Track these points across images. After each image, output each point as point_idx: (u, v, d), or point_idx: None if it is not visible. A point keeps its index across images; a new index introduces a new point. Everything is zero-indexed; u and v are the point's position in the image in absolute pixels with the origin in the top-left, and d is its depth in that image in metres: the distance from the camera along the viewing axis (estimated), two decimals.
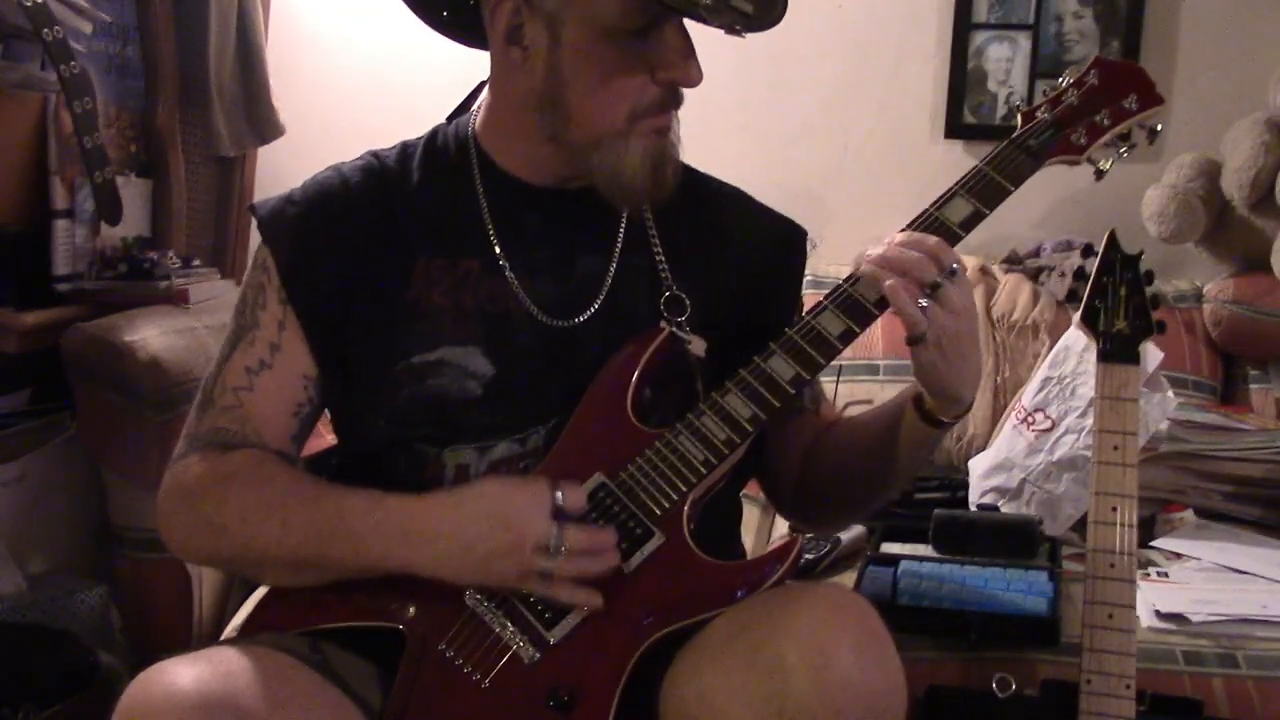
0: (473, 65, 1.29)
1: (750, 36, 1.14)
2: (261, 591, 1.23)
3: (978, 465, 2.01)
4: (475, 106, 1.29)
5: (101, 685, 1.74)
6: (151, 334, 1.91)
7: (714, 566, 1.12)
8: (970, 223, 1.19)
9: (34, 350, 1.92)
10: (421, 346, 1.20)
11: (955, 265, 1.12)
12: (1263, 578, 1.66)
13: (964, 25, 2.47)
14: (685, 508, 1.13)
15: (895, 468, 1.25)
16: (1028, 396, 2.00)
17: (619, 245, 1.25)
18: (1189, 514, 1.86)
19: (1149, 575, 1.67)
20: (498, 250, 1.23)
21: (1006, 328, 2.22)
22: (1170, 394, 1.86)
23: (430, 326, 1.20)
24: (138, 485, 1.91)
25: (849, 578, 1.70)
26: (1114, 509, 1.31)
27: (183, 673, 0.98)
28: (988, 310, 2.24)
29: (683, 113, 1.20)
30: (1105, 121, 1.25)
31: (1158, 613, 1.56)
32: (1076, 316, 1.44)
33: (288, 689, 1.02)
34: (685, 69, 1.15)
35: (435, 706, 1.09)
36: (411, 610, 1.13)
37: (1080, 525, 1.76)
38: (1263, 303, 2.21)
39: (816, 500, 1.35)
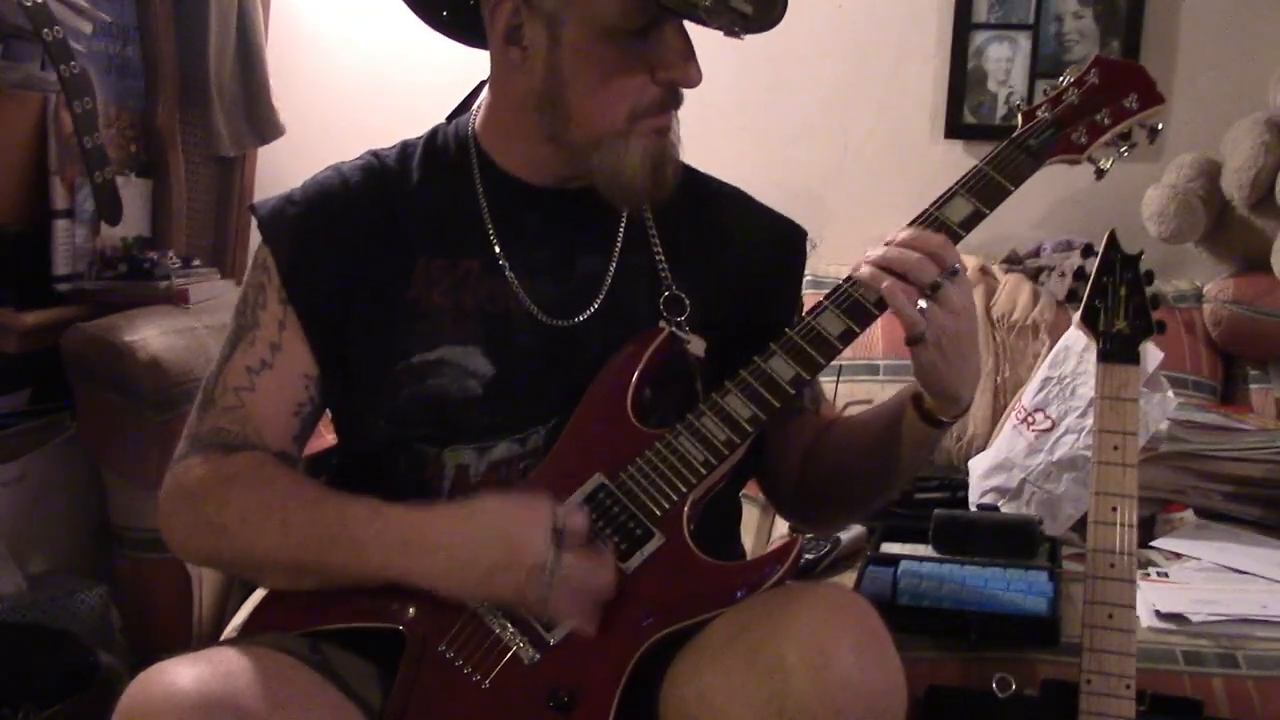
0: (473, 65, 1.29)
1: (750, 37, 1.14)
2: (262, 592, 1.23)
3: (978, 465, 2.01)
4: (475, 106, 1.29)
5: (101, 685, 1.74)
6: (151, 334, 1.91)
7: (714, 567, 1.12)
8: (970, 222, 1.18)
9: (34, 350, 1.92)
10: (421, 346, 1.20)
11: (956, 265, 1.13)
12: (1263, 578, 1.66)
13: (964, 25, 2.47)
14: (685, 508, 1.13)
15: (895, 467, 1.25)
16: (1028, 396, 2.00)
17: (619, 245, 1.25)
18: (1189, 514, 1.86)
19: (1149, 575, 1.67)
20: (498, 250, 1.23)
21: (1006, 328, 2.22)
22: (1170, 394, 1.86)
23: (430, 326, 1.20)
24: (138, 485, 1.91)
25: (849, 578, 1.70)
26: (1114, 509, 1.31)
27: (183, 673, 0.98)
28: (988, 310, 2.24)
29: (683, 113, 1.20)
30: (1106, 120, 1.25)
31: (1158, 613, 1.56)
32: (1076, 316, 1.44)
33: (288, 689, 1.02)
34: (685, 69, 1.15)
35: (435, 707, 1.09)
36: (411, 611, 1.12)
37: (1080, 525, 1.76)
38: (1263, 303, 2.21)
39: (816, 500, 1.35)
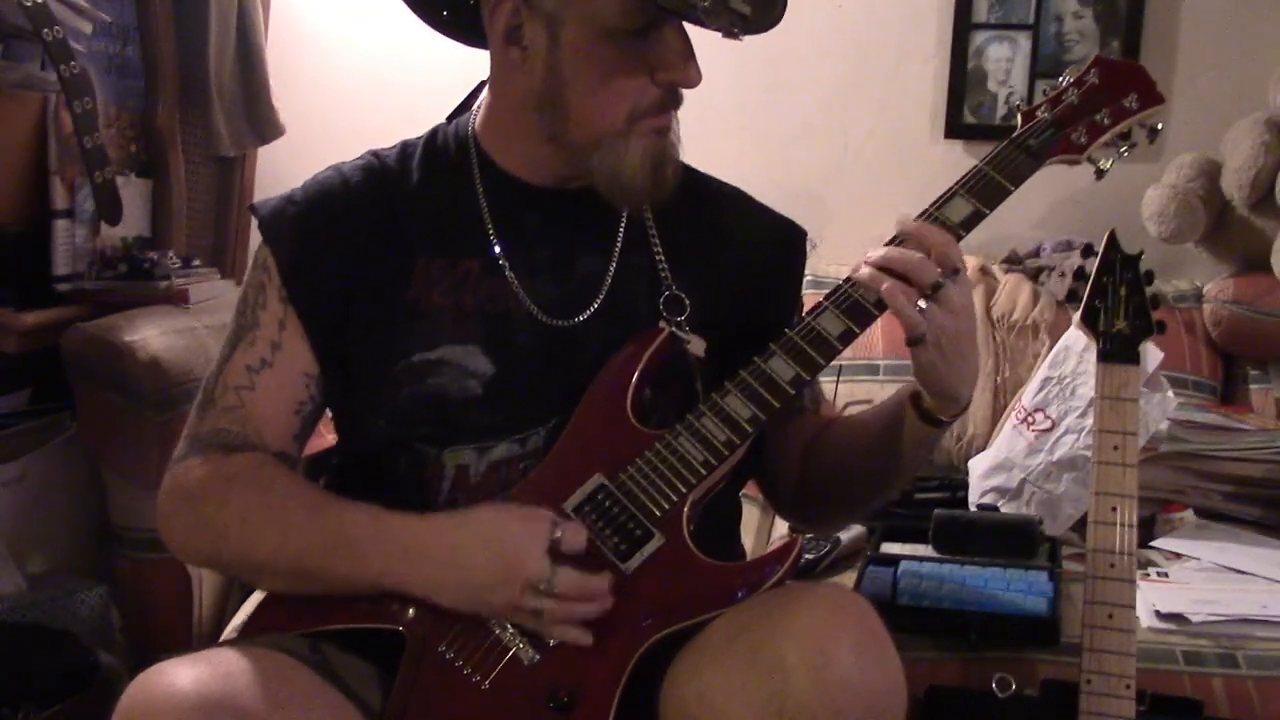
0: (473, 65, 1.29)
1: (749, 37, 1.14)
2: (262, 592, 1.23)
3: (978, 465, 2.01)
4: (475, 106, 1.29)
5: (101, 685, 1.74)
6: (151, 334, 1.91)
7: (714, 567, 1.12)
8: (970, 222, 1.18)
9: (34, 350, 1.92)
10: (421, 346, 1.20)
11: (957, 265, 1.13)
12: (1263, 578, 1.66)
13: (964, 25, 2.47)
14: (685, 509, 1.13)
15: (894, 467, 1.25)
16: (1028, 396, 2.00)
17: (619, 245, 1.25)
18: (1189, 514, 1.86)
19: (1149, 575, 1.67)
20: (498, 250, 1.23)
21: (1006, 328, 2.22)
22: (1170, 394, 1.86)
23: (430, 326, 1.20)
24: (138, 485, 1.91)
25: (849, 578, 1.70)
26: (1114, 509, 1.31)
27: (182, 673, 0.98)
28: (988, 310, 2.24)
29: (683, 113, 1.20)
30: (1106, 120, 1.25)
31: (1158, 613, 1.56)
32: (1076, 316, 1.44)
33: (287, 690, 1.02)
34: (684, 70, 1.15)
35: (435, 707, 1.09)
36: (411, 611, 1.12)
37: (1080, 525, 1.76)
38: (1263, 303, 2.21)
39: (816, 500, 1.35)
